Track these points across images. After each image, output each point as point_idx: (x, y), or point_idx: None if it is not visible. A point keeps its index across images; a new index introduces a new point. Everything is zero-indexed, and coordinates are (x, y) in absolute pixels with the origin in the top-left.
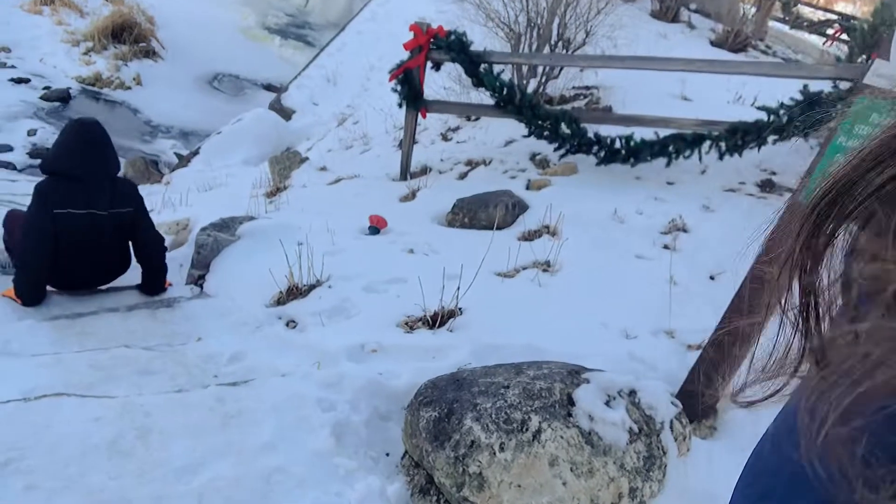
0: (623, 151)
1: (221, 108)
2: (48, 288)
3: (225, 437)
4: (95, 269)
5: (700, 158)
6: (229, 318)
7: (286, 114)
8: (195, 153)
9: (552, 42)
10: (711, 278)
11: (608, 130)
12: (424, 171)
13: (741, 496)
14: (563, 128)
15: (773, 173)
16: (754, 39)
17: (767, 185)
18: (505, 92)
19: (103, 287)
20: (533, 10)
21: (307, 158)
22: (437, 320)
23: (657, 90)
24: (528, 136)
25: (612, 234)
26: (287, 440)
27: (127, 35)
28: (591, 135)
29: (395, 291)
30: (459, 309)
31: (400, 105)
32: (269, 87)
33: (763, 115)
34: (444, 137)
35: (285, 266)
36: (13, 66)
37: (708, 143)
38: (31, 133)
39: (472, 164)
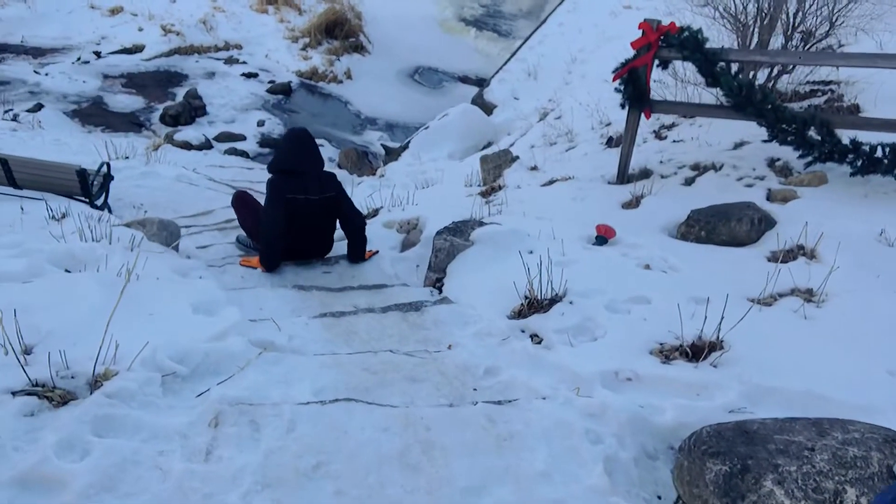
0: (886, 161)
1: (422, 100)
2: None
3: (501, 461)
4: (315, 243)
5: None
6: (473, 326)
7: (487, 108)
8: (405, 147)
9: (787, 33)
10: None
11: (863, 136)
12: (644, 174)
13: None
14: (812, 133)
15: None
16: None
17: None
18: (743, 92)
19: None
20: None
21: (517, 157)
22: (697, 352)
23: None
24: (770, 140)
25: (881, 259)
26: (561, 471)
27: (339, 31)
28: (845, 141)
29: (640, 313)
30: (720, 341)
31: (623, 105)
32: (464, 79)
33: None
34: (658, 135)
35: (521, 276)
36: (244, 62)
37: None
38: (260, 124)
39: (698, 169)
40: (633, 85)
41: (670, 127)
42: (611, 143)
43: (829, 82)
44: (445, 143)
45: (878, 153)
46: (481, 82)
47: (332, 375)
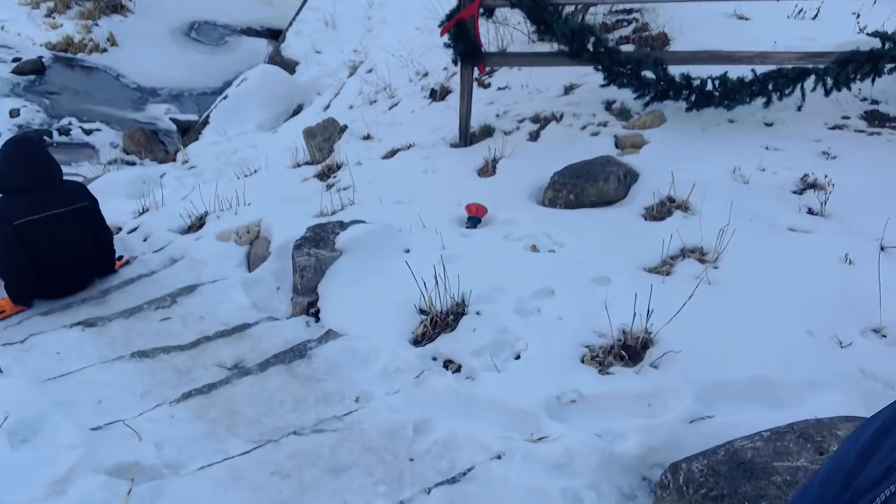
0: (717, 95)
1: (206, 61)
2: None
3: None
4: (75, 268)
5: (804, 96)
6: (376, 363)
7: (288, 66)
8: (205, 122)
9: None
10: (882, 249)
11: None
12: (486, 132)
13: None
14: (647, 73)
15: (876, 102)
16: None
17: (875, 118)
18: (576, 37)
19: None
20: None
21: (346, 127)
22: (630, 353)
23: (706, 9)
24: (607, 85)
25: (745, 201)
26: None
27: None
28: (679, 78)
29: (551, 310)
30: (649, 334)
31: (455, 61)
32: (248, 31)
33: (875, 42)
34: (481, 83)
35: (409, 285)
36: None
37: (813, 78)
38: (15, 114)
39: (539, 121)
40: (463, 39)
41: (490, 73)
42: (434, 95)
43: (631, 10)
44: (251, 113)
45: (709, 87)
46: (270, 33)
47: (236, 497)
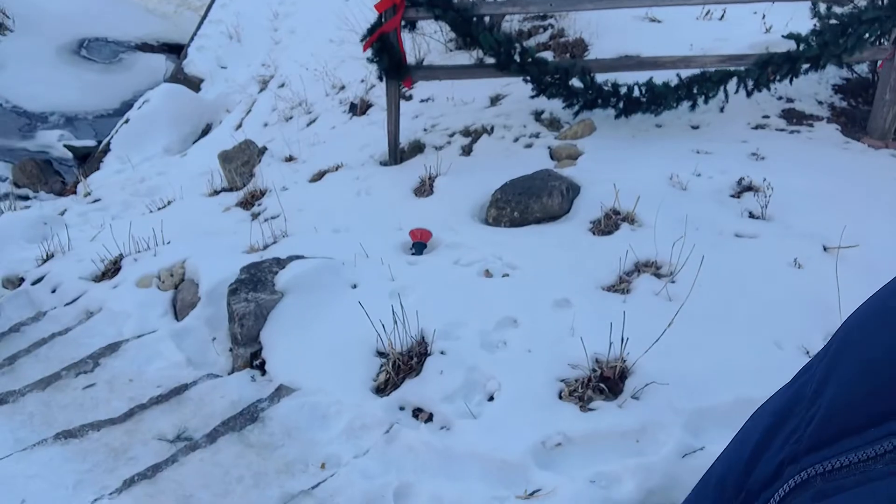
0: (644, 101)
1: (100, 80)
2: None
3: None
4: None
5: (727, 98)
6: (339, 420)
7: (193, 84)
8: (106, 150)
9: None
10: (825, 249)
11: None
12: (416, 148)
13: None
14: (575, 82)
15: (791, 100)
16: None
17: (793, 116)
18: (502, 49)
19: None
20: None
21: (265, 148)
22: (609, 384)
23: (619, 13)
24: (537, 95)
25: (688, 209)
26: None
27: None
28: (607, 86)
29: (519, 343)
30: (625, 362)
31: (380, 77)
32: (144, 47)
33: (791, 44)
34: (403, 96)
35: (363, 325)
36: None
37: (735, 80)
38: None
39: (470, 135)
40: (388, 54)
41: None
42: (355, 110)
43: (546, 17)
44: (156, 136)
45: (636, 93)
46: (168, 49)
47: None
